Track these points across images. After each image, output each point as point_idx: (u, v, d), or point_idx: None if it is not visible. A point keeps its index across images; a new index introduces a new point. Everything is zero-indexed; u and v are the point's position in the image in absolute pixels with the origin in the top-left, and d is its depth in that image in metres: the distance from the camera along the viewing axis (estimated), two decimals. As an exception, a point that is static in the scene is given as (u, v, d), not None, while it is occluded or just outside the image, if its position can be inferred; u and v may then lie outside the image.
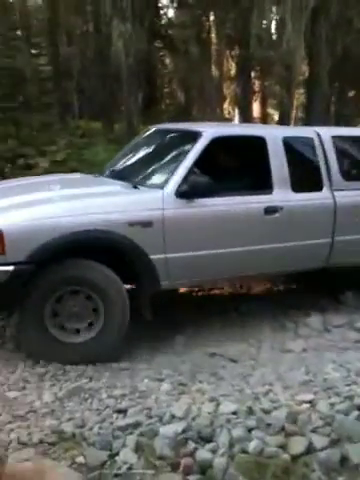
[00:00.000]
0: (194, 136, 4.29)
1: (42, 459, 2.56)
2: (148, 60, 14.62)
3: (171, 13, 18.28)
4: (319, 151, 4.65)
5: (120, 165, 5.03)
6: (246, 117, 15.79)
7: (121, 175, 4.61)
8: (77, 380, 3.62)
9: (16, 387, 3.51)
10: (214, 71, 17.33)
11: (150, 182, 4.25)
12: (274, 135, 4.54)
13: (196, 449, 2.63)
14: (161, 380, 3.62)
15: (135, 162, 4.96)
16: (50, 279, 3.68)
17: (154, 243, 3.89)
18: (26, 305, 3.71)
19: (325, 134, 4.73)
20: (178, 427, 2.77)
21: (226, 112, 19.23)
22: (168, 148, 4.71)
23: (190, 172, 4.09)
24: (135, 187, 4.19)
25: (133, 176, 4.43)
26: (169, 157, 4.49)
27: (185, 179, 4.04)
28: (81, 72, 17.79)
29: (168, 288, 4.15)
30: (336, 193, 4.64)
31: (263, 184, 4.42)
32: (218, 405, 3.04)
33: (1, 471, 2.45)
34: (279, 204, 4.37)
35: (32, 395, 3.39)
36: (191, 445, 2.65)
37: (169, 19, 17.93)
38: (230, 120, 18.07)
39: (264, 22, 13.17)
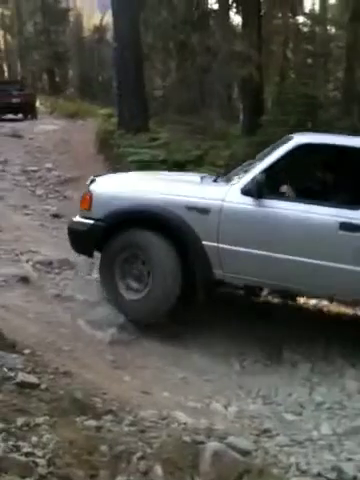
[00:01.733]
0: (288, 140, 4.24)
1: (324, 494, 2.49)
2: None
3: None
4: None
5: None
6: None
7: (228, 171, 4.89)
8: (356, 419, 3.45)
9: (293, 411, 3.53)
10: None
11: (231, 178, 4.41)
12: None
13: None
14: None
15: (246, 160, 4.92)
16: (117, 242, 4.32)
17: (208, 230, 4.05)
18: (102, 263, 4.49)
19: None
20: None
21: None
22: (271, 150, 4.47)
23: (264, 172, 4.01)
24: (215, 180, 4.53)
25: (230, 172, 4.70)
26: (264, 158, 4.34)
27: (255, 178, 3.98)
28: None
29: (222, 279, 4.19)
30: None
31: (351, 198, 3.96)
32: None
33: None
34: None
35: (309, 423, 3.36)
36: None
37: None
38: None
39: None
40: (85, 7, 43.76)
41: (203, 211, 4.05)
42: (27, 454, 2.27)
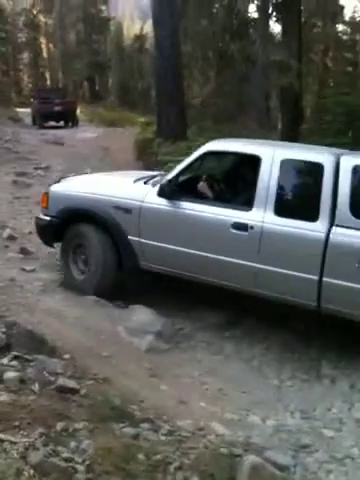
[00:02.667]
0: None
1: None
2: None
3: None
4: (328, 180, 4.01)
5: None
6: None
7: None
8: None
9: (332, 426, 3.45)
10: None
11: (158, 181, 4.85)
12: (272, 155, 4.30)
13: None
14: None
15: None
16: (69, 233, 5.12)
17: (132, 226, 4.75)
18: (61, 251, 5.28)
19: (346, 162, 4.03)
20: None
21: None
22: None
23: (176, 176, 4.65)
24: (145, 182, 4.99)
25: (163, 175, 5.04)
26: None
27: (168, 182, 4.60)
28: None
29: (148, 269, 4.86)
30: (336, 229, 3.94)
31: (245, 201, 4.44)
32: None
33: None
34: (250, 222, 4.23)
35: (348, 440, 3.27)
36: None
37: None
38: None
39: None
40: (126, 16, 44.51)
41: (126, 210, 4.77)
42: (66, 459, 2.29)
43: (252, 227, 4.21)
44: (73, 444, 2.42)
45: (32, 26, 39.82)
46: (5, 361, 3.02)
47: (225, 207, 4.45)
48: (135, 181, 5.14)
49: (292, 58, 11.79)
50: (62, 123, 21.34)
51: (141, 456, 2.48)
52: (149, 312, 4.69)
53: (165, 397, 3.47)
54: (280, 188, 4.21)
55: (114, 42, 39.03)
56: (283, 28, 14.43)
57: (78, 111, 23.03)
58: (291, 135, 11.81)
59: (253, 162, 4.38)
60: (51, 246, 5.55)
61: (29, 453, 2.26)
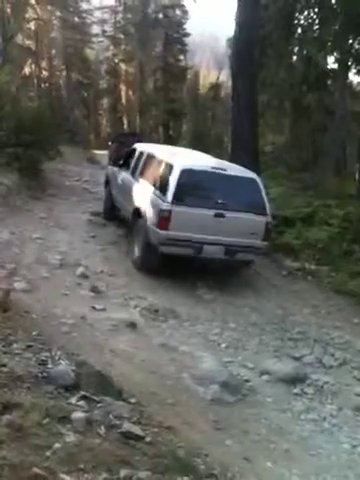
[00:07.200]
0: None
1: None
2: None
3: None
4: (141, 159, 8.43)
5: None
6: None
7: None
8: None
9: None
10: None
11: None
12: (140, 149, 8.86)
13: None
14: None
15: None
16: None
17: (112, 183, 9.86)
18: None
19: (143, 150, 8.73)
20: None
21: None
22: None
23: (124, 160, 9.36)
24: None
25: None
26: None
27: (116, 161, 10.00)
28: None
29: (116, 205, 9.43)
30: (134, 180, 8.29)
31: (133, 170, 8.59)
32: None
33: None
34: (132, 181, 8.40)
35: None
36: None
37: None
38: None
39: None
40: (202, 65, 45.98)
41: (109, 175, 10.25)
42: (129, 510, 2.22)
43: (132, 182, 8.30)
44: (136, 494, 2.35)
45: (113, 74, 41.86)
46: (73, 400, 3.02)
47: (127, 171, 8.77)
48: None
49: (371, 109, 11.62)
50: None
51: (205, 515, 2.37)
52: (215, 360, 4.60)
53: (230, 453, 3.33)
54: (143, 164, 8.25)
55: (190, 90, 40.26)
56: (362, 80, 14.32)
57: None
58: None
59: (142, 153, 8.51)
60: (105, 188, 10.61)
61: (92, 499, 2.21)
